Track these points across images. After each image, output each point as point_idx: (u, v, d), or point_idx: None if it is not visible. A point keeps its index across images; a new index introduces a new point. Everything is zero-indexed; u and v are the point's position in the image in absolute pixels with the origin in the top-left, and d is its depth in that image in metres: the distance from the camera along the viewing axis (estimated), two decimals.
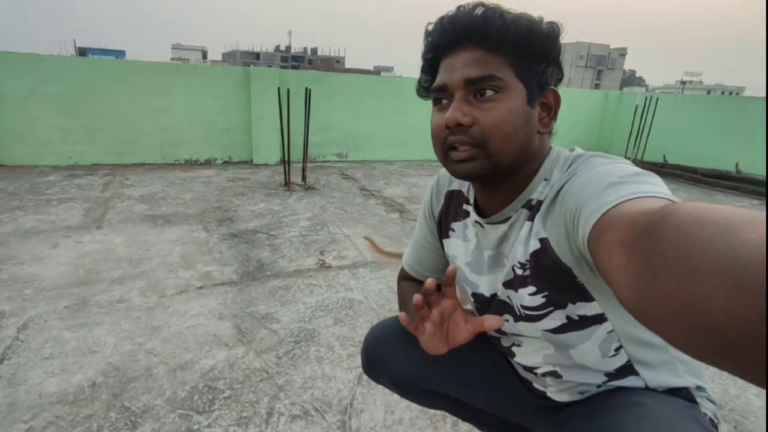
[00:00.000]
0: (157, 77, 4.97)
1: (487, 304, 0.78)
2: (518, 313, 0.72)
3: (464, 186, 0.83)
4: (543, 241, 0.64)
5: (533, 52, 0.62)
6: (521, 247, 0.68)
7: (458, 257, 0.83)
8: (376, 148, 6.25)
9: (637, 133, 5.97)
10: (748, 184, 5.23)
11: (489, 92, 0.61)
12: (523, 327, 0.73)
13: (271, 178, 4.67)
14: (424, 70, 0.71)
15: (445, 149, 0.66)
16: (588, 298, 0.65)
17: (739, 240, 0.27)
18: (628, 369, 0.70)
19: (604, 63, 69.75)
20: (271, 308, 2.00)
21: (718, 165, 5.82)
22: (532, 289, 0.68)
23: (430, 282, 0.61)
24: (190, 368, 1.55)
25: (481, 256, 0.78)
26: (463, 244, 0.82)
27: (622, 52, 72.47)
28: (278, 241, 2.84)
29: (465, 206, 0.81)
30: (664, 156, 6.30)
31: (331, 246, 2.82)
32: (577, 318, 0.67)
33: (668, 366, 0.70)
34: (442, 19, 0.65)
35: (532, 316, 0.71)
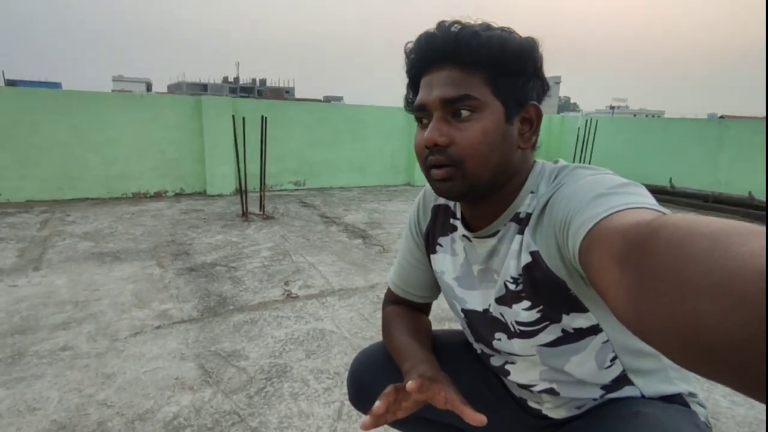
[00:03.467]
0: (100, 108, 4.73)
1: (478, 320, 0.76)
2: (512, 330, 0.71)
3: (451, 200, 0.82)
4: (534, 255, 0.63)
5: (509, 69, 0.62)
6: (513, 261, 0.66)
7: (446, 272, 0.81)
8: (334, 175, 6.22)
9: (582, 153, 6.33)
10: (682, 197, 5.65)
11: (465, 112, 0.61)
12: (517, 344, 0.71)
13: (227, 209, 4.51)
14: (408, 86, 0.71)
15: (426, 168, 0.66)
16: (582, 309, 0.64)
17: (730, 254, 0.27)
18: (623, 380, 0.69)
19: None
20: (238, 344, 1.88)
21: (654, 181, 6.27)
22: (526, 303, 0.66)
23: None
24: (151, 418, 1.41)
25: (470, 270, 0.76)
26: (451, 259, 0.80)
27: (557, 80, 77.68)
28: (239, 273, 2.71)
29: (452, 220, 0.80)
30: None
31: (296, 275, 2.72)
32: (572, 331, 0.66)
33: (661, 373, 0.70)
34: (420, 38, 0.65)
35: (527, 332, 0.69)
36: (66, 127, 4.59)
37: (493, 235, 0.70)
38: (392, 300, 0.93)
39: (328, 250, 3.25)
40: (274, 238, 3.51)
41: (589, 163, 6.49)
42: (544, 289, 0.63)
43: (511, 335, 0.71)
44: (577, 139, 6.48)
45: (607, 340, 0.66)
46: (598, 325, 0.65)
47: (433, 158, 0.63)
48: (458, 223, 0.78)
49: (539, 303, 0.65)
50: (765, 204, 5.00)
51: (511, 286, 0.67)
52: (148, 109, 4.98)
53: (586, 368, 0.69)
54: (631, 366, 0.68)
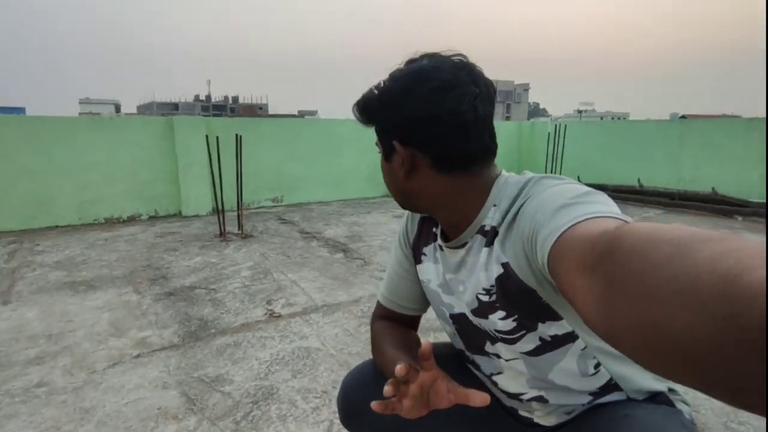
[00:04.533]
0: (68, 132, 4.62)
1: (467, 324, 0.77)
2: (494, 336, 0.72)
3: None
4: (505, 266, 0.65)
5: (373, 121, 0.74)
6: (483, 273, 0.68)
7: (432, 280, 0.83)
8: (312, 190, 6.20)
9: (553, 158, 6.49)
10: (650, 196, 5.84)
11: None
12: (501, 348, 0.73)
13: (205, 230, 4.44)
14: None
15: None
16: (555, 317, 0.66)
17: (692, 260, 0.28)
18: (612, 386, 0.71)
19: (511, 97, 76.05)
20: (221, 369, 1.84)
21: (623, 181, 6.47)
22: (502, 313, 0.68)
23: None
24: None
25: (445, 277, 0.79)
26: (435, 267, 0.82)
27: (526, 87, 79.65)
28: (220, 295, 2.67)
29: (434, 229, 0.82)
30: (578, 177, 6.89)
31: (278, 294, 2.69)
32: (549, 339, 0.68)
33: (642, 374, 0.72)
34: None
35: (507, 339, 0.71)
36: (33, 153, 4.46)
37: (462, 246, 0.73)
38: (381, 315, 0.93)
39: (310, 266, 3.23)
40: (254, 256, 3.47)
41: (561, 166, 6.67)
42: (516, 298, 0.65)
43: (494, 340, 0.73)
44: (548, 144, 6.65)
45: (586, 347, 0.68)
46: (573, 332, 0.67)
47: None
48: (438, 232, 0.81)
49: (514, 312, 0.67)
50: (726, 198, 5.22)
51: (484, 298, 0.69)
52: (118, 131, 4.88)
53: (568, 375, 0.70)
54: (614, 370, 0.70)
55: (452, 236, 0.74)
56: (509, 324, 0.68)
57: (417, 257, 0.87)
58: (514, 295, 0.65)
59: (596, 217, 0.47)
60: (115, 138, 4.85)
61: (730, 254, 0.27)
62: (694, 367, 0.26)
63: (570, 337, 0.67)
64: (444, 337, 0.88)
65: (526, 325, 0.67)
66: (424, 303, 0.91)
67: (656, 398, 0.72)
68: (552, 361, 0.70)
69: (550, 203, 0.55)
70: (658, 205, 5.65)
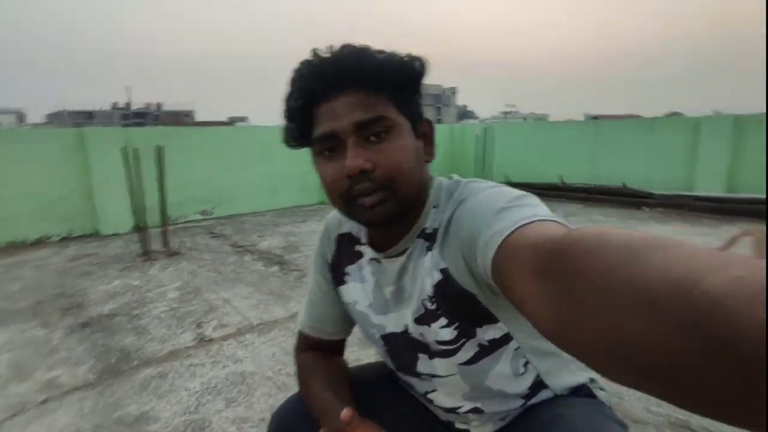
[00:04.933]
0: None
1: (399, 344, 0.75)
2: (433, 349, 0.71)
3: (354, 227, 0.80)
4: (444, 272, 0.64)
5: (409, 87, 0.64)
6: (428, 279, 0.67)
7: (358, 302, 0.79)
8: (244, 200, 5.97)
9: (483, 159, 6.76)
10: (571, 191, 6.27)
11: (382, 133, 0.61)
12: (438, 364, 0.72)
13: (126, 249, 4.10)
14: (292, 118, 0.66)
15: (350, 198, 0.62)
16: (493, 320, 0.66)
17: (644, 265, 0.28)
18: (539, 385, 0.72)
19: (440, 100, 78.51)
20: (145, 405, 1.69)
21: (548, 179, 6.88)
22: (444, 321, 0.67)
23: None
24: None
25: (382, 294, 0.75)
26: (362, 286, 0.78)
27: (454, 90, 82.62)
28: (144, 321, 2.46)
29: (357, 247, 0.79)
30: (507, 176, 7.23)
31: (210, 315, 2.54)
32: (487, 344, 0.68)
33: (565, 368, 0.74)
34: (310, 64, 0.62)
35: (447, 351, 0.69)
36: None
37: (402, 253, 0.70)
38: (304, 345, 0.88)
39: (244, 282, 3.08)
40: (182, 275, 3.26)
41: (492, 167, 6.97)
42: (456, 304, 0.64)
43: (432, 355, 0.71)
44: (477, 147, 6.92)
45: (519, 347, 0.69)
46: (509, 333, 0.67)
47: (361, 186, 0.60)
48: (364, 249, 0.77)
49: (455, 320, 0.66)
50: (635, 191, 5.72)
51: (429, 305, 0.67)
52: (19, 145, 4.39)
53: (504, 378, 0.70)
54: (541, 368, 0.71)
55: (387, 245, 0.71)
56: (450, 333, 0.67)
57: (339, 279, 0.83)
58: (453, 300, 0.64)
59: (538, 220, 0.47)
60: (16, 153, 4.36)
61: (681, 262, 0.27)
62: (648, 371, 0.26)
63: (506, 339, 0.67)
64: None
65: (466, 331, 0.66)
66: (348, 325, 0.87)
67: (579, 391, 0.74)
68: (488, 367, 0.69)
69: (487, 207, 0.54)
70: (578, 200, 6.07)
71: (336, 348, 0.90)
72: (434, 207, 0.67)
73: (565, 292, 0.34)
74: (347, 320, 0.86)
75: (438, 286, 0.65)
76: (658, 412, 1.58)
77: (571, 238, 0.36)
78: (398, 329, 0.74)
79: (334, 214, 0.82)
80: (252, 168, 5.99)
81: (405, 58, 0.63)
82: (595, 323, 0.30)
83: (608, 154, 6.58)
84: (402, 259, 0.70)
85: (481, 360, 0.69)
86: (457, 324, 0.66)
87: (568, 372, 0.74)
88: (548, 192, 6.40)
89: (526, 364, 0.71)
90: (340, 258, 0.82)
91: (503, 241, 0.47)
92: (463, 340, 0.67)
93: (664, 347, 0.25)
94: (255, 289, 2.96)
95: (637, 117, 18.15)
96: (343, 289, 0.82)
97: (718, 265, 0.25)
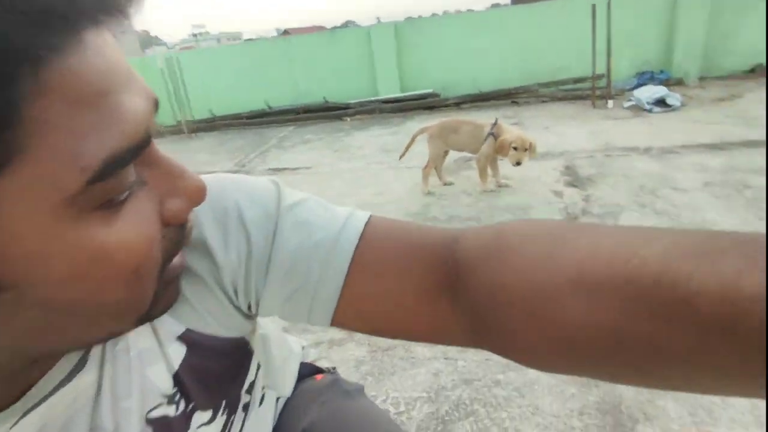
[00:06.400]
0: None
1: None
2: None
3: None
4: (187, 338, 0.40)
5: None
6: (152, 376, 0.40)
7: None
8: None
9: (174, 97, 5.89)
10: (281, 115, 6.28)
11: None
12: None
13: None
14: None
15: (166, 272, 0.33)
16: (251, 356, 0.49)
17: (572, 249, 0.28)
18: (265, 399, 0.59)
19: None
20: None
21: (254, 106, 6.58)
22: (206, 415, 0.43)
23: None
24: None
25: None
26: None
27: None
28: None
29: None
30: (211, 110, 6.60)
31: None
32: (248, 395, 0.51)
33: (280, 369, 0.62)
34: None
35: None
36: None
37: (81, 368, 0.37)
38: None
39: None
40: None
41: (188, 102, 6.15)
42: (219, 369, 0.43)
43: None
44: (165, 82, 5.94)
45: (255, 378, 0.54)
46: (258, 362, 0.51)
47: (182, 240, 0.34)
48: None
49: (218, 397, 0.44)
50: (336, 104, 6.12)
51: (169, 411, 0.41)
52: None
53: (260, 414, 0.56)
54: (267, 381, 0.58)
55: (47, 366, 0.35)
56: (218, 422, 0.45)
57: None
58: (214, 367, 0.43)
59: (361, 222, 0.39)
60: None
61: (602, 243, 0.27)
62: (590, 354, 0.27)
63: (256, 374, 0.51)
64: None
65: (233, 404, 0.47)
66: None
67: (302, 374, 0.66)
68: (250, 416, 0.53)
69: (250, 215, 0.39)
70: (287, 122, 6.13)
71: None
72: None
73: (495, 291, 0.31)
74: None
75: (185, 365, 0.41)
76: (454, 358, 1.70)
77: (500, 231, 0.34)
78: None
79: None
80: None
81: None
82: (534, 321, 0.29)
83: (305, 71, 6.69)
84: (87, 376, 0.38)
85: (247, 414, 0.52)
86: (223, 403, 0.45)
87: (283, 367, 0.65)
88: (258, 120, 6.24)
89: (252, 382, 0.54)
90: None
91: (350, 264, 0.37)
92: (232, 417, 0.48)
93: (610, 325, 0.25)
94: None
95: (321, 28, 19.34)
96: None
97: (644, 237, 0.26)
